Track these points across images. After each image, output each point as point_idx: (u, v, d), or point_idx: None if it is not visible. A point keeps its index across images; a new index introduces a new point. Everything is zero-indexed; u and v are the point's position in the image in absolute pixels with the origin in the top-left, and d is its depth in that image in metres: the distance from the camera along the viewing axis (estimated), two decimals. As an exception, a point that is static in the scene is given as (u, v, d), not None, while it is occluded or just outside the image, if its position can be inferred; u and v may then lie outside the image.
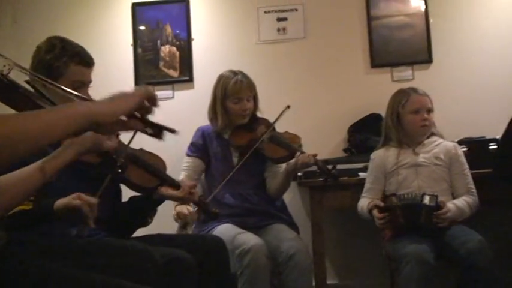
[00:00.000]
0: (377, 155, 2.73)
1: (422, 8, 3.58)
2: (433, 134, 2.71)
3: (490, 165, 2.64)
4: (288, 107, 2.67)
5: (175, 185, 2.09)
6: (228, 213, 2.62)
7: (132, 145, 1.65)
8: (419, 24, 3.57)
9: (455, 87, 3.51)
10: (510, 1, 3.58)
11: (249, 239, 2.42)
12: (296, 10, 3.65)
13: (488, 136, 2.95)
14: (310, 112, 3.51)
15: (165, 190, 2.06)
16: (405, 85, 2.93)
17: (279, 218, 2.72)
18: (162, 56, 3.62)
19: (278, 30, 3.64)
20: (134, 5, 3.63)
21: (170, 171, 2.15)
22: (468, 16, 3.58)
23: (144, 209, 2.10)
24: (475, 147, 2.90)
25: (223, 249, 2.16)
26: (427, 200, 2.38)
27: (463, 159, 2.65)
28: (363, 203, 2.63)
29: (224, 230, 2.50)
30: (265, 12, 3.65)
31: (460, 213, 2.49)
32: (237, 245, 2.38)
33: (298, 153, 2.58)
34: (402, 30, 3.58)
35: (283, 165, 2.73)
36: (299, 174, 2.96)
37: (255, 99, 2.78)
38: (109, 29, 3.65)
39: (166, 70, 3.62)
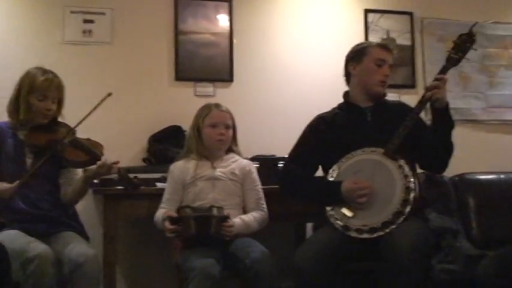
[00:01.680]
0: (177, 166, 2.77)
1: (227, 28, 3.74)
2: (232, 151, 2.83)
3: (278, 182, 2.79)
4: (109, 94, 2.61)
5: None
6: (15, 219, 2.46)
7: None
8: (224, 44, 3.73)
9: (252, 107, 3.73)
10: (309, 29, 3.92)
11: (34, 246, 2.28)
12: (104, 14, 3.57)
13: (279, 155, 3.14)
14: (112, 119, 3.44)
15: None
16: (207, 101, 3.00)
17: (70, 225, 2.61)
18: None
19: (84, 32, 3.53)
20: None
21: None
22: (268, 41, 3.85)
23: None
24: (266, 164, 3.08)
25: (4, 256, 2.04)
26: (215, 211, 2.48)
27: (256, 176, 2.80)
28: (160, 213, 2.65)
29: (8, 237, 2.33)
30: (71, 12, 3.52)
31: (246, 227, 2.61)
32: (21, 253, 2.24)
33: (100, 159, 2.52)
34: (207, 47, 3.71)
35: (80, 172, 2.64)
36: (95, 181, 2.87)
37: (60, 103, 2.66)
38: None
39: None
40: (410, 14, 4.07)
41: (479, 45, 4.04)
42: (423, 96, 2.43)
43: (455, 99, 4.05)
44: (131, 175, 2.52)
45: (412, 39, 4.06)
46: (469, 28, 2.48)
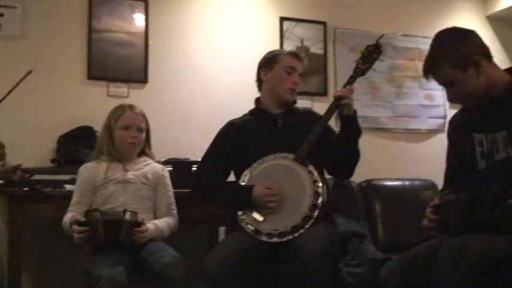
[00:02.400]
0: (87, 168, 2.69)
1: (143, 28, 3.70)
2: (145, 154, 2.79)
3: (190, 186, 2.79)
4: (30, 72, 2.49)
5: None
6: None
7: None
8: (139, 44, 3.68)
9: (167, 109, 3.70)
10: (225, 33, 3.94)
11: None
12: (15, 8, 3.44)
13: (193, 158, 3.11)
14: (20, 117, 3.32)
15: None
16: (120, 101, 2.95)
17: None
18: None
19: (-6, 25, 3.38)
20: None
21: None
22: (185, 43, 3.84)
23: None
24: (180, 167, 3.06)
25: None
26: (128, 216, 2.42)
27: (168, 181, 2.78)
28: (67, 217, 2.56)
29: None
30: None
31: (159, 233, 2.58)
32: None
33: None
34: (122, 47, 3.64)
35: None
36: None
37: None
38: None
39: None
40: (323, 23, 4.19)
41: (388, 56, 4.27)
42: (331, 104, 2.50)
43: (365, 107, 4.20)
44: (35, 180, 2.42)
45: (325, 48, 4.18)
46: (376, 39, 2.58)
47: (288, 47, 3.97)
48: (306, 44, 4.10)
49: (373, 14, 4.39)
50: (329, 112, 2.50)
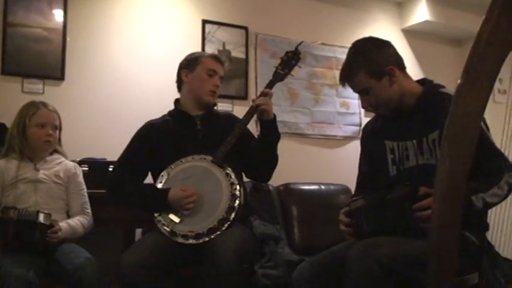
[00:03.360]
0: (-4, 166, 2.59)
1: (61, 25, 3.60)
2: (57, 152, 2.72)
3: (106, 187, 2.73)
4: None
5: None
6: None
7: None
8: (56, 40, 3.58)
9: (84, 108, 3.62)
10: (146, 33, 3.90)
11: None
12: None
13: (109, 158, 3.06)
14: None
15: None
16: (35, 98, 2.88)
17: None
18: None
19: None
20: None
21: None
22: (104, 41, 3.76)
23: None
24: (96, 167, 3.01)
25: None
26: (41, 218, 2.37)
27: (81, 179, 2.73)
28: None
29: None
30: None
31: (73, 232, 2.54)
32: None
33: None
34: (39, 42, 3.53)
35: None
36: None
37: None
38: None
39: None
40: (245, 28, 4.24)
41: (307, 64, 4.38)
42: (251, 108, 2.54)
43: (284, 113, 4.28)
44: None
45: (247, 52, 4.22)
46: (295, 46, 2.64)
47: (210, 49, 3.98)
48: (227, 47, 4.13)
49: (295, 21, 4.48)
50: (248, 115, 2.53)
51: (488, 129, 2.07)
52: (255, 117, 2.55)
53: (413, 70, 4.81)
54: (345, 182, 4.08)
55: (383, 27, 4.97)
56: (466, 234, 2.03)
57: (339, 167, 4.39)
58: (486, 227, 2.17)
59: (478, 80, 1.33)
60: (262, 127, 2.56)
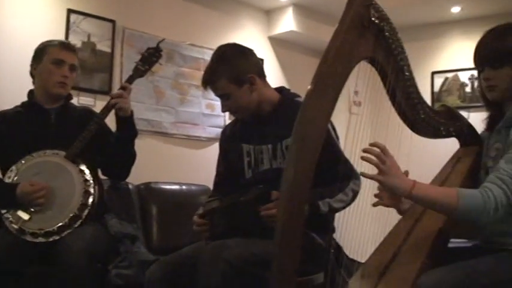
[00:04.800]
0: None
1: None
2: None
3: None
4: None
5: None
6: None
7: None
8: None
9: None
10: (6, 20, 3.66)
11: None
12: None
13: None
14: None
15: None
16: None
17: None
18: None
19: None
20: None
21: None
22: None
23: None
24: None
25: None
26: None
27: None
28: None
29: None
30: None
31: None
32: None
33: None
34: None
35: None
36: None
37: None
38: None
39: None
40: (113, 21, 4.12)
41: (175, 63, 4.36)
42: (108, 103, 2.48)
43: (148, 111, 4.23)
44: None
45: (113, 46, 4.11)
46: (157, 43, 2.63)
47: (73, 40, 3.81)
48: (92, 39, 3.99)
49: (165, 20, 4.45)
50: (105, 110, 2.47)
51: (337, 138, 2.21)
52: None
53: (277, 77, 4.99)
54: (206, 182, 4.10)
55: (251, 33, 5.10)
56: (313, 235, 2.15)
57: (202, 167, 4.42)
58: (333, 230, 2.31)
59: (325, 89, 1.41)
60: (119, 124, 2.52)
